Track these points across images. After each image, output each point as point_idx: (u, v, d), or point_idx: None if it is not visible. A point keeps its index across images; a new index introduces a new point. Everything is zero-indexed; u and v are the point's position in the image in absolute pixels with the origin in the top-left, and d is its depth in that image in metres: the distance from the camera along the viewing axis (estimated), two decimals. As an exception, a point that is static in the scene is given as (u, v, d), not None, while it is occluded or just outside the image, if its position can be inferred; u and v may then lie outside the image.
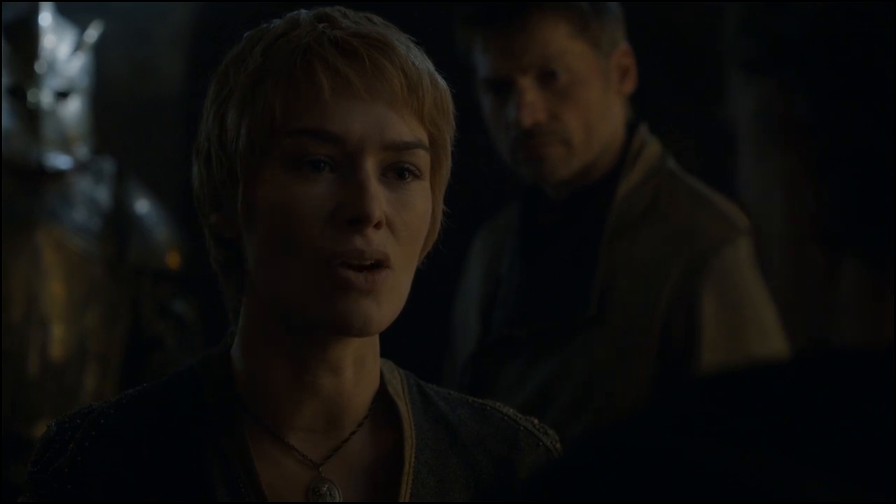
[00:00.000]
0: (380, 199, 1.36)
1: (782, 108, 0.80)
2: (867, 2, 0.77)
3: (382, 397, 1.46)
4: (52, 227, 3.68)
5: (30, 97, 3.68)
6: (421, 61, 1.40)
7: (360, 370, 1.43)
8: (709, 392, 0.76)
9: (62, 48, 3.75)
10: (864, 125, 0.77)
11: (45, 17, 3.75)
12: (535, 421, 1.53)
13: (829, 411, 0.73)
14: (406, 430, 1.45)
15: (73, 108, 3.74)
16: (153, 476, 1.40)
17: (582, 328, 2.43)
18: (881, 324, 0.78)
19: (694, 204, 2.47)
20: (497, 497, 1.37)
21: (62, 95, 3.72)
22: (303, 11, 1.42)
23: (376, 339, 1.45)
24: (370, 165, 1.37)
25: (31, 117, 3.68)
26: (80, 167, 3.75)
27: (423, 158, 1.40)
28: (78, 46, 3.77)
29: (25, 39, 3.72)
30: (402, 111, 1.38)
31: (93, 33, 3.81)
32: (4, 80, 3.68)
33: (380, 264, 1.36)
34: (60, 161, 3.71)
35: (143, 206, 3.81)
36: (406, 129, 1.38)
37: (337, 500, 1.42)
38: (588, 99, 2.46)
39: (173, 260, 3.81)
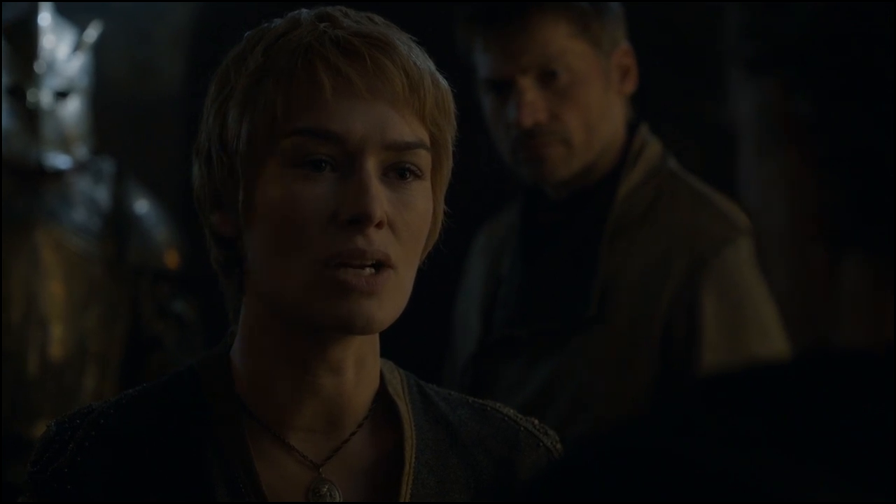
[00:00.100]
0: (381, 198, 1.36)
1: (784, 108, 0.80)
2: (868, 1, 0.77)
3: (382, 397, 1.46)
4: (51, 227, 3.68)
5: (29, 97, 3.68)
6: (422, 61, 1.40)
7: (360, 370, 1.43)
8: (710, 393, 0.76)
9: (62, 48, 3.75)
10: (865, 124, 0.77)
11: (45, 17, 3.75)
12: (536, 421, 1.53)
13: (830, 412, 0.73)
14: (406, 430, 1.45)
15: (73, 108, 3.74)
16: (153, 476, 1.40)
17: (582, 328, 2.43)
18: (882, 323, 0.78)
19: (695, 204, 2.47)
20: (497, 497, 1.37)
21: (61, 95, 3.72)
22: (304, 11, 1.42)
23: (376, 340, 1.45)
24: (371, 165, 1.37)
25: (31, 117, 3.68)
26: (80, 167, 3.75)
27: (424, 158, 1.39)
28: (77, 46, 3.77)
29: (25, 39, 3.72)
30: (404, 111, 1.38)
31: (92, 33, 3.81)
32: (4, 79, 3.68)
33: (381, 265, 1.36)
34: (60, 161, 3.71)
35: (142, 206, 3.81)
36: (407, 128, 1.38)
37: (337, 500, 1.42)
38: (588, 99, 2.46)
39: (172, 260, 3.81)
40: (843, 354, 0.77)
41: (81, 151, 3.75)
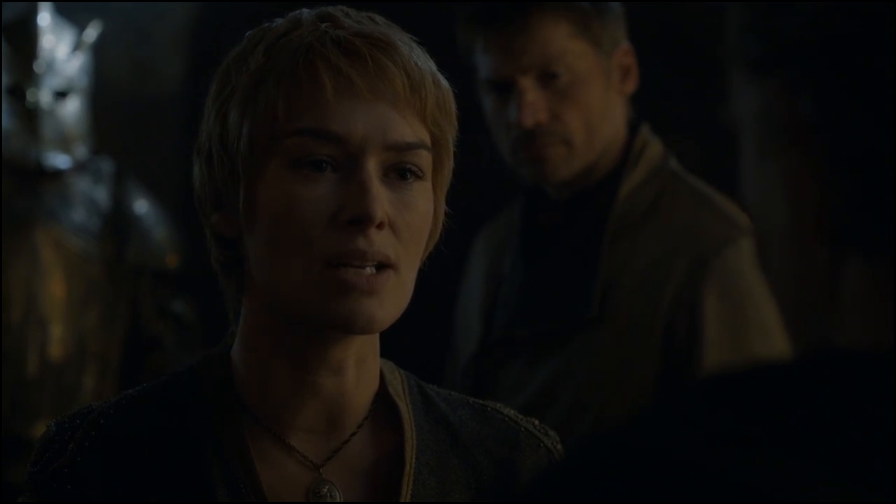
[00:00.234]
0: (382, 199, 1.36)
1: (786, 108, 0.80)
2: (870, 1, 0.77)
3: (383, 398, 1.46)
4: (50, 227, 3.68)
5: (29, 97, 3.68)
6: (423, 61, 1.40)
7: (360, 371, 1.43)
8: (711, 393, 0.76)
9: (61, 48, 3.75)
10: (867, 125, 0.77)
11: (44, 17, 3.75)
12: (536, 422, 1.53)
13: (830, 412, 0.73)
14: (407, 430, 1.45)
15: (72, 107, 3.74)
16: (153, 476, 1.40)
17: (584, 328, 2.42)
18: (884, 324, 0.78)
19: (696, 204, 2.47)
20: (498, 498, 1.37)
21: (61, 95, 3.72)
22: (305, 11, 1.42)
23: (376, 340, 1.45)
24: (372, 166, 1.36)
25: (30, 117, 3.68)
26: (79, 167, 3.75)
27: (425, 159, 1.39)
28: (77, 46, 3.77)
29: (24, 39, 3.72)
30: (405, 111, 1.37)
31: (92, 33, 3.80)
32: (4, 79, 3.68)
33: (382, 265, 1.36)
34: (59, 161, 3.71)
35: (141, 206, 3.81)
36: (408, 129, 1.38)
37: (337, 500, 1.42)
38: (589, 99, 2.46)
39: (172, 260, 3.81)
40: (844, 354, 0.77)
41: (81, 151, 3.75)
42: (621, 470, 0.72)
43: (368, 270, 1.35)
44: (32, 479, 1.42)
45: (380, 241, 1.35)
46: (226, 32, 1.47)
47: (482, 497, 1.44)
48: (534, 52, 2.44)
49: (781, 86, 0.80)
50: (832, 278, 0.79)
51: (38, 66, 3.70)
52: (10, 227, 3.65)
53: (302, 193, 1.36)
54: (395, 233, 1.37)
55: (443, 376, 2.68)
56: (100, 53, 3.90)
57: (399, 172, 1.38)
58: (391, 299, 1.36)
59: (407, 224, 1.37)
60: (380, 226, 1.35)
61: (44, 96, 3.69)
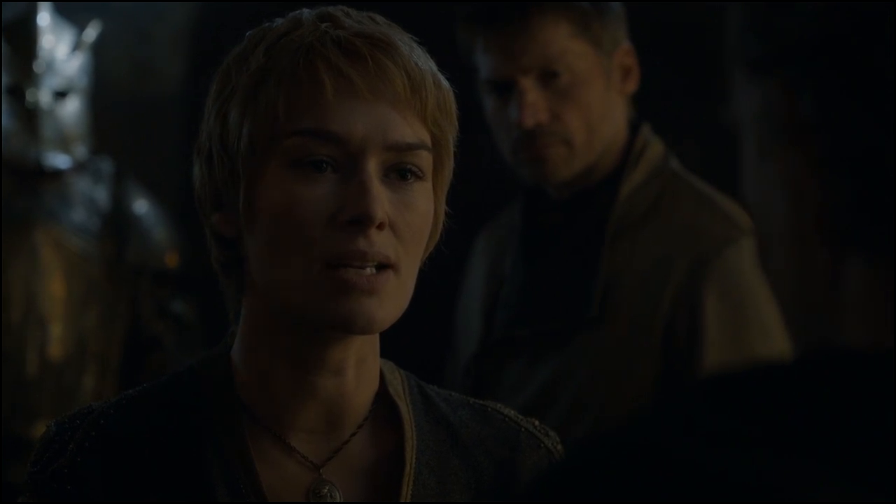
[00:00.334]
0: (382, 199, 1.36)
1: (786, 108, 0.80)
2: (870, 1, 0.77)
3: (383, 398, 1.46)
4: (50, 227, 3.68)
5: (28, 97, 3.68)
6: (424, 61, 1.39)
7: (360, 371, 1.43)
8: (711, 393, 0.76)
9: (61, 48, 3.75)
10: (867, 124, 0.77)
11: (44, 17, 3.75)
12: (536, 422, 1.53)
13: (831, 412, 0.73)
14: (407, 431, 1.45)
15: (72, 107, 3.74)
16: (153, 477, 1.40)
17: (584, 328, 2.42)
18: (884, 324, 0.78)
19: (697, 204, 2.47)
20: (498, 498, 1.37)
21: (60, 95, 3.72)
22: (305, 11, 1.42)
23: (376, 340, 1.45)
24: (372, 166, 1.36)
25: (30, 117, 3.68)
26: (79, 167, 3.75)
27: (425, 159, 1.39)
28: (76, 46, 3.77)
29: (24, 39, 3.72)
30: (405, 112, 1.37)
31: (91, 33, 3.80)
32: (3, 79, 3.68)
33: (382, 266, 1.36)
34: (59, 161, 3.71)
35: (141, 206, 3.81)
36: (409, 129, 1.38)
37: (337, 500, 1.42)
38: (590, 99, 2.46)
39: (172, 260, 3.81)
40: (845, 354, 0.77)
41: (81, 151, 3.75)
42: (622, 470, 0.72)
43: (369, 270, 1.35)
44: (32, 479, 1.41)
45: (380, 242, 1.35)
46: (226, 32, 1.46)
47: (482, 497, 1.44)
48: (534, 52, 2.44)
49: (782, 86, 0.80)
50: (833, 278, 0.79)
51: (37, 66, 3.69)
52: (9, 227, 3.64)
53: (302, 194, 1.36)
54: (395, 233, 1.37)
55: (443, 376, 2.68)
56: (100, 53, 3.90)
57: (399, 173, 1.38)
58: (391, 299, 1.36)
59: (407, 224, 1.37)
60: (380, 226, 1.35)
61: (43, 96, 3.69)
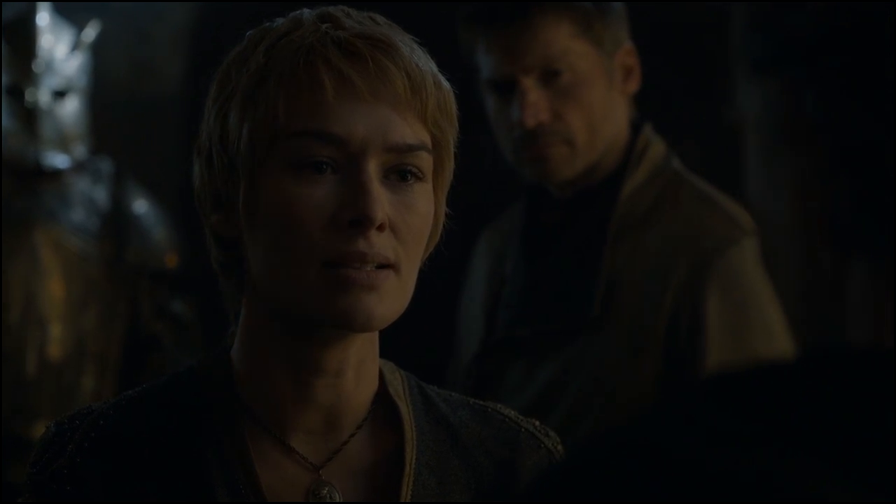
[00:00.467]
0: (382, 201, 1.35)
1: (791, 108, 0.80)
2: (873, 1, 0.77)
3: (383, 398, 1.46)
4: (50, 227, 3.68)
5: (27, 96, 3.68)
6: (424, 62, 1.39)
7: (360, 372, 1.43)
8: (713, 392, 0.76)
9: (60, 48, 3.74)
10: (870, 125, 0.77)
11: (43, 17, 3.75)
12: (537, 423, 1.53)
13: (834, 412, 0.73)
14: (407, 431, 1.45)
15: (71, 107, 3.73)
16: (152, 477, 1.40)
17: (586, 329, 2.42)
18: (888, 324, 0.78)
19: (699, 204, 2.47)
20: (498, 499, 1.37)
21: (60, 95, 3.71)
22: (305, 11, 1.42)
23: (376, 340, 1.45)
24: (372, 167, 1.36)
25: (29, 117, 3.67)
26: (78, 167, 3.75)
27: (425, 160, 1.39)
28: (76, 46, 3.77)
29: (23, 39, 3.72)
30: (406, 113, 1.37)
31: (90, 33, 3.80)
32: (3, 79, 3.68)
33: (382, 266, 1.36)
34: (58, 161, 3.70)
35: (141, 206, 3.81)
36: (409, 131, 1.37)
37: (337, 501, 1.41)
38: (591, 99, 2.46)
39: (171, 260, 3.81)
40: (847, 354, 0.77)
41: (80, 151, 3.75)
42: (623, 470, 0.72)
43: (368, 268, 1.35)
44: (32, 479, 1.41)
45: (380, 243, 1.35)
46: (226, 32, 1.46)
47: (482, 498, 1.44)
48: (536, 52, 2.44)
49: (785, 86, 0.80)
50: (836, 278, 0.79)
51: (36, 66, 3.69)
52: (9, 227, 3.64)
53: (302, 194, 1.35)
54: (395, 234, 1.37)
55: (443, 376, 2.67)
56: (99, 53, 3.90)
57: (399, 174, 1.38)
58: (391, 297, 1.36)
59: (407, 225, 1.37)
60: (380, 227, 1.35)
61: (42, 96, 3.69)
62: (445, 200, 1.45)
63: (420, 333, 2.45)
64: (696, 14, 3.76)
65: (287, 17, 1.42)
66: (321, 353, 1.40)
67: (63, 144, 3.71)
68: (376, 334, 1.44)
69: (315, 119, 1.36)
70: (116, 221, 3.76)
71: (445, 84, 1.42)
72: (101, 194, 3.77)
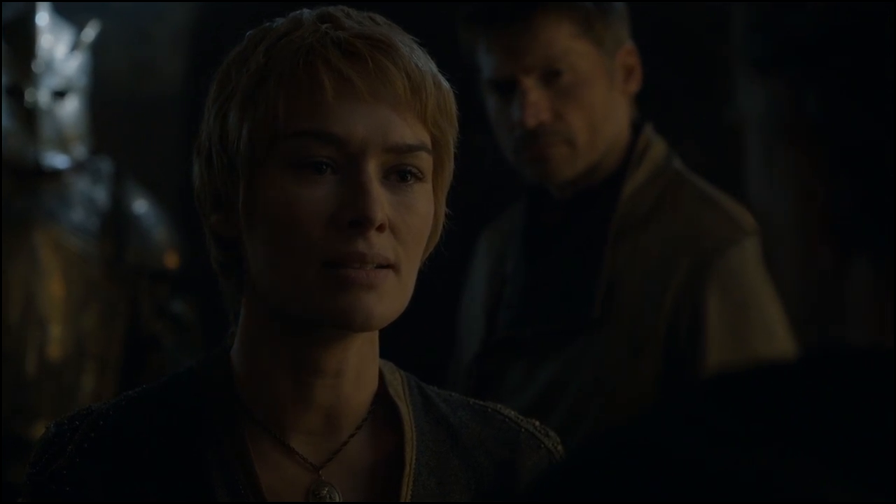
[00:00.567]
0: (382, 201, 1.35)
1: (791, 107, 0.80)
2: (875, 1, 0.77)
3: (383, 399, 1.46)
4: (49, 227, 3.68)
5: (27, 96, 3.68)
6: (424, 63, 1.39)
7: (359, 372, 1.43)
8: (714, 392, 0.76)
9: (59, 47, 3.74)
10: (872, 124, 0.77)
11: (43, 17, 3.75)
12: (537, 423, 1.53)
13: (834, 412, 0.73)
14: (407, 431, 1.45)
15: (71, 107, 3.73)
16: (152, 478, 1.40)
17: (586, 329, 2.42)
18: (889, 324, 0.78)
19: (699, 205, 2.47)
20: (498, 499, 1.37)
21: (59, 95, 3.71)
22: (305, 11, 1.42)
23: (375, 341, 1.45)
24: (372, 168, 1.36)
25: (29, 117, 3.67)
26: (78, 167, 3.75)
27: (425, 161, 1.39)
28: (75, 46, 3.77)
29: (23, 39, 3.71)
30: (405, 113, 1.37)
31: (90, 32, 3.80)
32: (2, 79, 3.68)
33: (381, 267, 1.35)
34: (58, 161, 3.70)
35: (141, 206, 3.81)
36: (409, 131, 1.37)
37: (337, 501, 1.41)
38: (592, 99, 2.46)
39: (171, 260, 3.81)
40: (847, 354, 0.77)
41: (80, 151, 3.75)
42: (623, 470, 0.72)
43: (368, 268, 1.35)
44: (31, 480, 1.41)
45: (380, 244, 1.35)
46: (226, 32, 1.46)
47: (482, 498, 1.44)
48: (537, 51, 2.44)
49: (787, 85, 0.80)
50: (837, 278, 0.79)
51: (36, 66, 3.69)
52: (8, 228, 3.64)
53: (302, 195, 1.35)
54: (395, 235, 1.37)
55: (443, 376, 2.67)
56: (99, 53, 3.90)
57: (399, 174, 1.38)
58: (390, 296, 1.36)
59: (407, 226, 1.37)
60: (380, 228, 1.35)
61: (42, 96, 3.69)
62: (445, 201, 1.45)
63: (420, 333, 2.45)
64: (696, 14, 3.76)
65: (287, 18, 1.41)
66: (321, 353, 1.40)
67: (63, 144, 3.71)
68: (376, 335, 1.44)
69: (315, 119, 1.36)
70: (116, 221, 3.76)
71: (445, 84, 1.41)
72: (101, 194, 3.77)
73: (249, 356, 1.43)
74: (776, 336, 2.33)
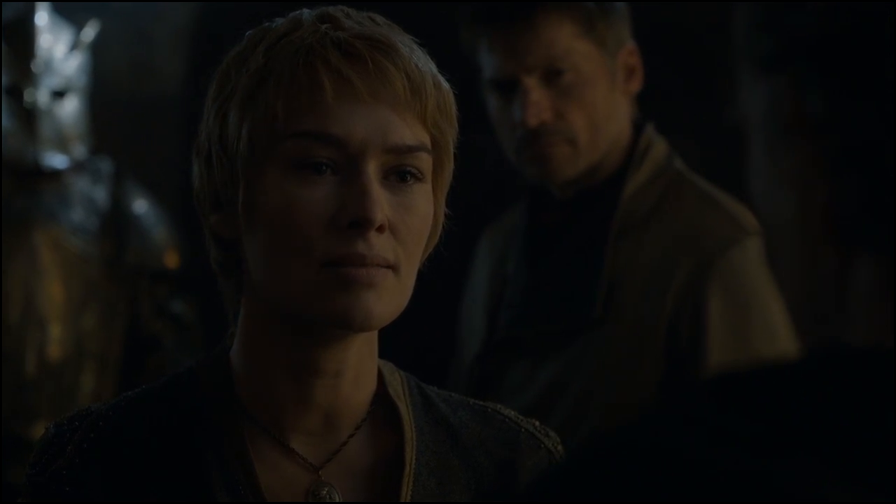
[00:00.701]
0: (382, 202, 1.35)
1: (794, 106, 0.80)
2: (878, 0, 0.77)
3: (383, 399, 1.46)
4: (49, 227, 3.68)
5: (26, 96, 3.67)
6: (424, 63, 1.39)
7: (359, 372, 1.43)
8: (715, 392, 0.75)
9: (59, 47, 3.74)
10: (875, 123, 0.76)
11: (42, 17, 3.75)
12: (537, 423, 1.53)
13: (836, 412, 0.73)
14: (407, 431, 1.45)
15: (70, 107, 3.73)
16: (152, 478, 1.40)
17: (587, 329, 2.42)
18: (892, 323, 0.77)
19: (701, 204, 2.47)
20: (498, 499, 1.37)
21: (59, 95, 3.71)
22: (305, 11, 1.42)
23: (375, 341, 1.45)
24: (372, 168, 1.36)
25: (28, 117, 3.67)
26: (78, 167, 3.75)
27: (425, 161, 1.39)
28: (75, 46, 3.77)
29: (22, 39, 3.71)
30: (405, 114, 1.37)
31: (89, 32, 3.80)
32: (2, 79, 3.67)
33: (381, 267, 1.35)
34: (57, 161, 3.70)
35: (140, 206, 3.80)
36: (408, 132, 1.37)
37: (336, 502, 1.41)
38: (594, 98, 2.46)
39: (171, 260, 3.81)
40: (850, 353, 0.77)
41: (79, 151, 3.75)
42: (624, 469, 0.72)
43: (368, 267, 1.35)
44: (31, 481, 1.41)
45: (379, 245, 1.35)
46: (226, 32, 1.46)
47: (482, 498, 1.44)
48: (538, 51, 2.44)
49: (790, 83, 0.80)
50: (840, 277, 0.79)
51: (35, 66, 3.69)
52: (8, 228, 3.64)
53: (301, 196, 1.35)
54: (395, 235, 1.37)
55: (443, 376, 2.67)
56: (99, 53, 3.90)
57: (399, 175, 1.38)
58: (390, 295, 1.36)
59: (407, 226, 1.37)
60: (380, 229, 1.35)
61: (41, 96, 3.68)
62: (445, 201, 1.45)
63: (420, 333, 2.45)
64: (696, 14, 3.76)
65: (287, 18, 1.41)
66: (320, 353, 1.40)
67: (62, 144, 3.71)
68: (375, 335, 1.44)
69: (314, 120, 1.35)
70: (116, 221, 3.76)
71: (445, 85, 1.41)
72: (100, 194, 3.76)
73: (249, 356, 1.43)
74: (778, 336, 2.32)
